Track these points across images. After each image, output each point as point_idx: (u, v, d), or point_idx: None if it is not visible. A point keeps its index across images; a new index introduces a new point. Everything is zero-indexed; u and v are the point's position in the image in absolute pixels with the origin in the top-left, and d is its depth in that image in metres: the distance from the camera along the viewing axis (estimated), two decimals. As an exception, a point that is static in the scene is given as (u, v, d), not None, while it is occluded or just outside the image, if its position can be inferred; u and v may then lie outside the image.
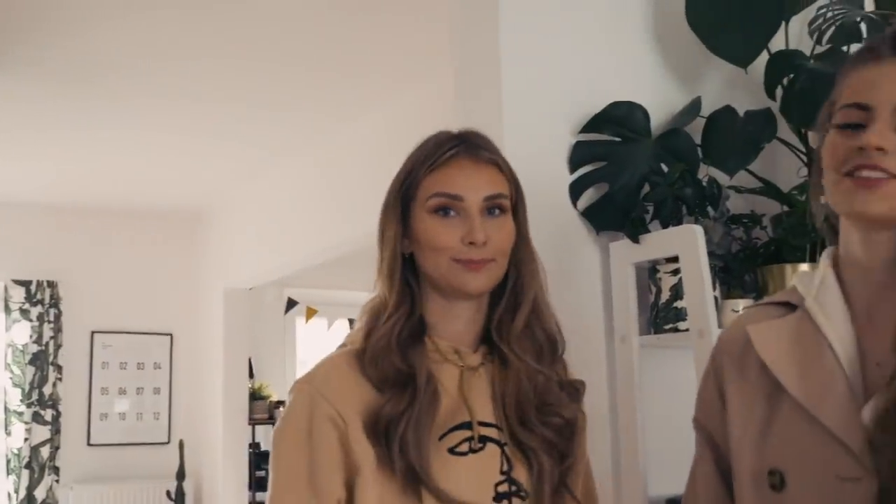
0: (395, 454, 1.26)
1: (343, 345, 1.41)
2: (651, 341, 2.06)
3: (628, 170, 2.11)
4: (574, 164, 2.14)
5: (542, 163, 2.12)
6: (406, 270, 1.37)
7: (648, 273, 2.09)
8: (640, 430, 2.03)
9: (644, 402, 2.06)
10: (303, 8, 3.46)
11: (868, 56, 1.16)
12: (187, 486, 6.23)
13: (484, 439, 1.33)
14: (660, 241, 2.03)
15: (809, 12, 2.27)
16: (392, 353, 1.32)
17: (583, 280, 2.13)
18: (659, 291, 2.06)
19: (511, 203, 1.39)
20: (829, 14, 2.19)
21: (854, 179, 1.10)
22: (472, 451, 1.32)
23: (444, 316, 1.38)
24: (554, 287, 2.07)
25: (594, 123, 2.16)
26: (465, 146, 1.38)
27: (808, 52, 2.20)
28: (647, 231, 2.06)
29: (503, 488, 1.32)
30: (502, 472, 1.33)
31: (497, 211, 1.36)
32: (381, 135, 4.46)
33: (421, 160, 1.38)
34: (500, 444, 1.34)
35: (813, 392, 1.12)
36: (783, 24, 2.18)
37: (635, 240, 2.05)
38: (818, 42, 2.19)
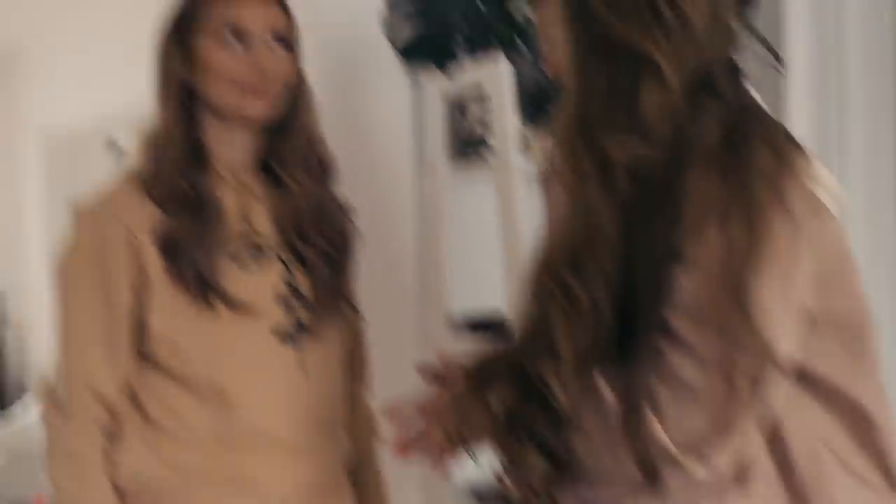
0: (185, 266, 1.35)
1: (125, 172, 1.46)
2: (457, 170, 2.11)
3: (441, 1, 2.09)
4: (386, -9, 2.11)
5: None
6: (185, 95, 1.42)
7: (457, 104, 2.11)
8: (444, 254, 2.10)
9: (449, 230, 2.12)
10: None
11: None
12: (10, 335, 6.06)
13: (264, 251, 1.44)
14: (469, 73, 2.04)
15: None
16: (176, 175, 1.39)
17: (393, 111, 2.15)
18: (467, 121, 2.09)
19: (292, 40, 1.47)
20: None
21: None
22: (255, 261, 1.42)
23: (222, 141, 1.45)
24: (365, 119, 2.10)
25: (410, -46, 2.12)
26: None
27: None
28: (458, 62, 2.07)
29: (285, 295, 1.43)
30: (283, 281, 1.44)
31: (281, 44, 1.43)
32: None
33: None
34: (280, 256, 1.45)
35: None
36: None
37: (446, 71, 2.06)
38: None
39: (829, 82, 1.93)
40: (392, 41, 2.11)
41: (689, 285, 1.00)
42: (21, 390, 6.04)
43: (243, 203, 1.45)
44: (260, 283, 1.42)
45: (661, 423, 1.00)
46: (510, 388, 1.09)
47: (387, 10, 2.11)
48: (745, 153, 1.02)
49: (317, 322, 1.45)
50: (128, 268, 1.36)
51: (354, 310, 1.58)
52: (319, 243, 1.47)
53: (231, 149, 1.46)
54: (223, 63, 1.39)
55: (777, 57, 2.09)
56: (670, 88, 1.06)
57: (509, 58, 2.04)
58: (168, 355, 1.39)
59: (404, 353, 2.09)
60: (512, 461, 1.08)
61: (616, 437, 1.02)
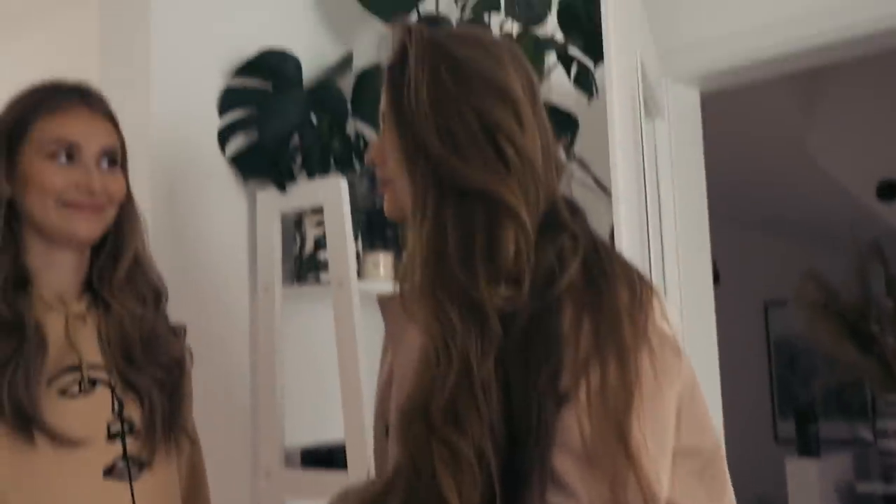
0: (3, 397, 1.23)
1: None
2: (294, 291, 2.06)
3: (279, 118, 2.08)
4: (223, 108, 2.07)
5: (190, 106, 2.04)
6: (10, 215, 1.33)
7: (294, 223, 2.09)
8: (279, 380, 2.03)
9: (284, 352, 2.06)
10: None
11: None
12: None
13: (93, 381, 1.34)
14: (306, 192, 2.03)
15: (458, -20, 2.35)
16: None
17: (228, 229, 2.08)
18: (303, 242, 2.06)
19: (121, 158, 1.41)
20: (474, -14, 2.27)
21: None
22: (83, 392, 1.32)
23: (47, 263, 1.36)
24: (199, 235, 2.03)
25: (246, 69, 2.10)
26: (83, 95, 1.38)
27: (454, 20, 2.27)
28: (295, 181, 2.05)
29: (116, 428, 1.33)
30: (114, 412, 1.34)
31: (111, 163, 1.38)
32: (41, 56, 4.06)
33: (35, 102, 1.36)
34: (111, 386, 1.35)
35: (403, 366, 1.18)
36: (433, -11, 2.24)
37: (282, 189, 2.04)
38: (462, 10, 2.27)
39: (648, 205, 2.02)
40: (227, 153, 2.07)
41: (573, 425, 0.99)
42: None
43: (69, 328, 1.35)
44: (87, 415, 1.31)
45: None
46: None
47: (219, 116, 2.07)
48: (608, 294, 1.04)
49: (150, 454, 1.35)
50: None
51: (191, 440, 1.49)
52: (151, 371, 1.38)
53: (57, 271, 1.36)
54: (50, 180, 1.32)
55: (600, 184, 2.18)
56: (526, 228, 1.07)
57: (346, 178, 2.02)
58: None
59: (239, 484, 2.02)
60: None
61: None
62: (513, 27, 2.27)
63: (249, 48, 2.11)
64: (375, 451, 1.30)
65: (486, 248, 1.06)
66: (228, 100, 2.08)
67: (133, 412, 1.36)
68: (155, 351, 1.40)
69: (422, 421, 1.04)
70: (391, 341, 1.26)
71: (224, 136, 2.07)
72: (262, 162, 2.07)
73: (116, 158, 1.39)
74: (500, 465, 1.01)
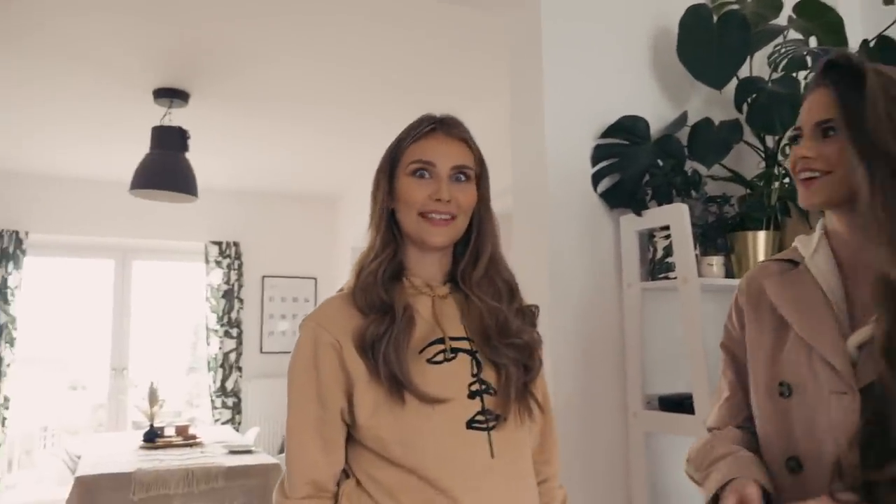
0: (380, 365, 1.11)
1: (340, 289, 1.24)
2: (649, 286, 2.04)
3: (634, 164, 2.07)
4: (595, 160, 2.11)
5: (573, 160, 2.09)
6: (391, 222, 1.22)
7: (648, 238, 2.06)
8: (641, 348, 2.02)
9: (643, 330, 2.04)
10: (419, 51, 3.45)
11: (810, 86, 1.11)
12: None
13: (455, 350, 1.17)
14: (656, 215, 2.00)
15: (768, 48, 2.19)
16: (377, 286, 1.16)
17: (602, 243, 2.11)
18: (655, 251, 2.03)
19: (476, 174, 1.22)
20: (783, 50, 2.11)
21: (799, 181, 1.10)
22: (447, 359, 1.15)
23: (418, 262, 1.22)
24: (581, 249, 2.07)
25: (609, 131, 2.12)
26: (442, 124, 1.22)
27: (766, 78, 2.12)
28: (647, 208, 2.03)
29: (475, 387, 1.15)
30: (473, 375, 1.16)
31: (462, 177, 1.19)
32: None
33: (406, 134, 1.22)
34: (472, 353, 1.17)
35: (811, 328, 1.08)
36: (748, 57, 2.10)
37: (639, 214, 2.03)
38: (774, 70, 2.11)
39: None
40: (598, 191, 2.10)
41: None
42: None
43: (435, 308, 1.19)
44: (450, 377, 1.14)
45: None
46: None
47: (592, 165, 2.10)
48: None
49: (505, 411, 1.15)
50: (335, 370, 1.13)
51: (541, 408, 1.24)
52: (505, 351, 1.18)
53: (424, 266, 1.21)
54: (411, 192, 1.17)
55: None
56: None
57: (685, 202, 1.97)
58: (372, 443, 1.13)
59: (615, 421, 2.04)
60: None
61: None
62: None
63: (610, 116, 2.13)
64: (763, 404, 1.12)
65: None
66: (598, 153, 2.11)
67: (489, 375, 1.17)
68: (508, 336, 1.19)
69: None
70: (785, 310, 1.11)
71: (596, 179, 2.10)
72: (623, 196, 2.07)
73: (468, 174, 1.20)
74: None
